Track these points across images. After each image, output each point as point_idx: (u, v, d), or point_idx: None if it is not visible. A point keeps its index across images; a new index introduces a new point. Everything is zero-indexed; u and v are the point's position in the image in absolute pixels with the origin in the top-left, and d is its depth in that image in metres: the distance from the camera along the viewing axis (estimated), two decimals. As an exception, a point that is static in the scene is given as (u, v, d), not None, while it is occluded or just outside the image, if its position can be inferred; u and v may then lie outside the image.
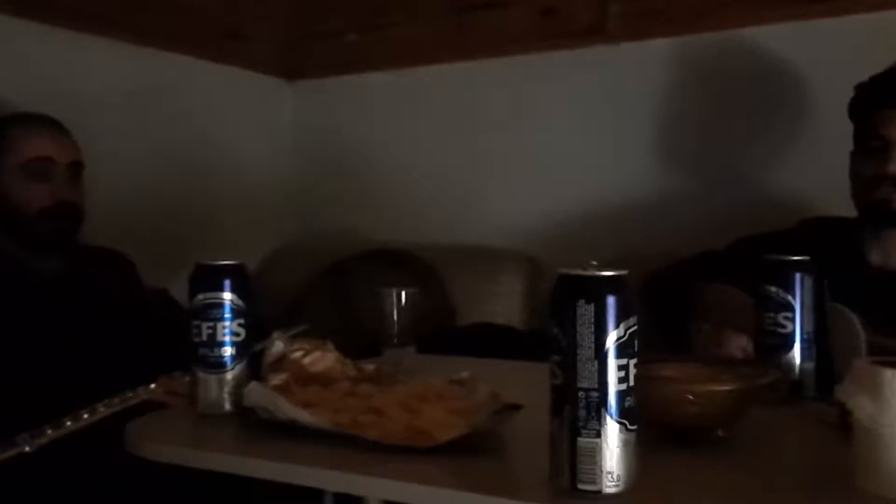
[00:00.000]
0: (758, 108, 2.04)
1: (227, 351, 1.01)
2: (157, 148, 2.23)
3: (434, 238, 2.38)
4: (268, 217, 2.61)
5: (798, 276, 1.05)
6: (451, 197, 2.43)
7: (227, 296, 1.00)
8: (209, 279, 1.01)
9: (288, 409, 0.92)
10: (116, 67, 2.11)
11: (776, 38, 2.00)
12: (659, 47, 2.14)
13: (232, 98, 2.49)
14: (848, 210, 1.50)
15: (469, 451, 0.83)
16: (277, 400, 0.93)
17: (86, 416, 1.12)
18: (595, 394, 0.68)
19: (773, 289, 1.06)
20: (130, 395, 1.17)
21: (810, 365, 1.06)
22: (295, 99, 2.71)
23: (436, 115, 2.46)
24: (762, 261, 1.08)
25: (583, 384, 0.68)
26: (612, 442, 0.68)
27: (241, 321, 1.01)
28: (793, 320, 1.05)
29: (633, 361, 0.69)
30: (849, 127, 1.49)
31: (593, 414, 0.68)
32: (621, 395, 0.68)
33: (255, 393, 0.96)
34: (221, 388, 1.01)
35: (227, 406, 1.01)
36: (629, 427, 0.69)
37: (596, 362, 0.68)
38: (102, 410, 1.13)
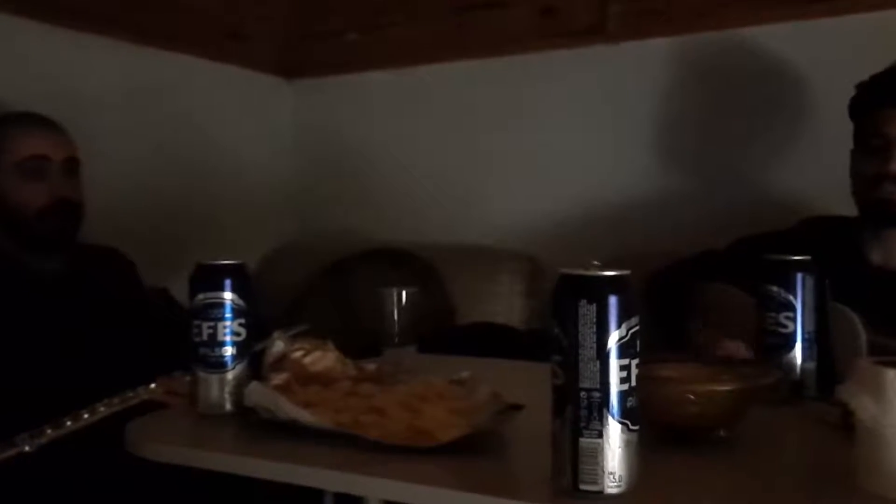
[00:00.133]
0: (758, 108, 2.04)
1: (228, 351, 1.01)
2: (157, 147, 2.23)
3: (434, 238, 2.38)
4: (268, 216, 2.61)
5: (799, 275, 1.05)
6: (451, 196, 2.43)
7: (228, 295, 1.00)
8: (210, 279, 1.01)
9: (289, 409, 0.91)
10: (116, 67, 2.11)
11: (776, 37, 2.00)
12: (659, 47, 2.14)
13: (232, 97, 2.49)
14: (848, 210, 1.50)
15: (470, 452, 0.82)
16: (278, 400, 0.93)
17: (86, 415, 1.12)
18: (597, 394, 0.68)
19: (774, 288, 1.06)
20: (130, 394, 1.17)
21: (811, 365, 1.06)
22: (295, 98, 2.71)
23: (436, 114, 2.46)
24: (764, 260, 1.08)
25: (584, 384, 0.68)
26: (614, 442, 0.68)
27: (242, 321, 1.01)
28: (794, 320, 1.05)
29: (634, 362, 0.69)
30: (849, 126, 1.49)
31: (595, 414, 0.68)
32: (623, 396, 0.68)
33: (256, 393, 0.96)
34: (222, 387, 1.00)
35: (228, 406, 1.00)
36: (631, 427, 0.69)
37: (598, 362, 0.68)
38: (102, 410, 1.13)
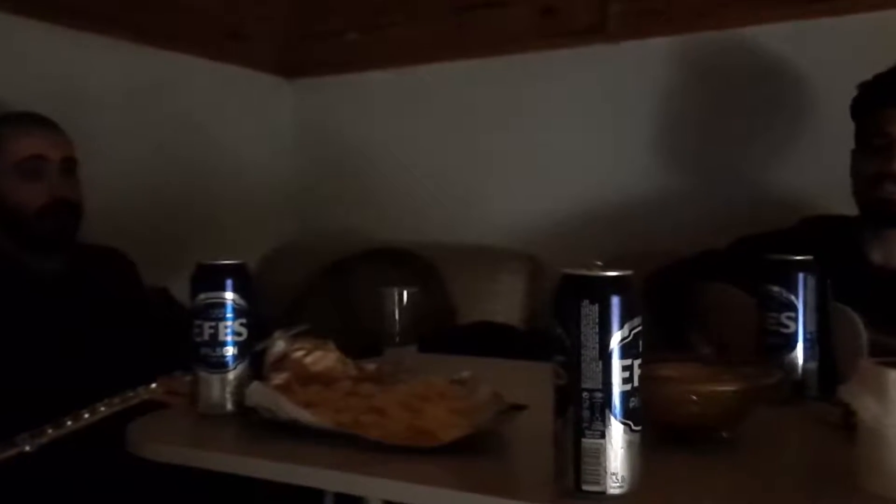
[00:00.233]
0: (758, 108, 2.04)
1: (229, 351, 1.00)
2: (157, 147, 2.23)
3: (434, 237, 2.38)
4: (268, 216, 2.61)
5: (801, 275, 1.05)
6: (451, 196, 2.43)
7: (229, 295, 1.00)
8: (211, 279, 1.01)
9: (290, 409, 0.91)
10: (117, 66, 2.11)
11: (776, 37, 2.00)
12: (659, 46, 2.14)
13: (232, 97, 2.49)
14: (849, 209, 1.50)
15: (471, 452, 0.82)
16: (279, 400, 0.93)
17: (86, 415, 1.12)
18: (599, 394, 0.68)
19: (775, 289, 1.05)
20: (131, 394, 1.17)
21: (813, 365, 1.06)
22: (295, 98, 2.70)
23: (436, 114, 2.46)
24: (765, 261, 1.08)
25: (587, 385, 0.68)
26: (617, 443, 0.68)
27: (243, 321, 1.01)
28: (796, 320, 1.05)
29: (637, 362, 0.69)
30: (849, 126, 1.50)
31: (597, 415, 0.68)
32: (625, 396, 0.68)
33: (258, 393, 0.96)
34: (223, 387, 1.00)
35: (229, 406, 1.00)
36: (633, 428, 0.69)
37: (600, 363, 0.68)
38: (103, 410, 1.13)
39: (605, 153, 2.22)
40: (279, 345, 1.10)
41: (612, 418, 0.68)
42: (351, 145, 2.61)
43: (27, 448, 1.08)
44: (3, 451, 1.08)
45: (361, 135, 2.59)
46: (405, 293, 1.29)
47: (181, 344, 1.04)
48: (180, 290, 1.18)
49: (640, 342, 0.69)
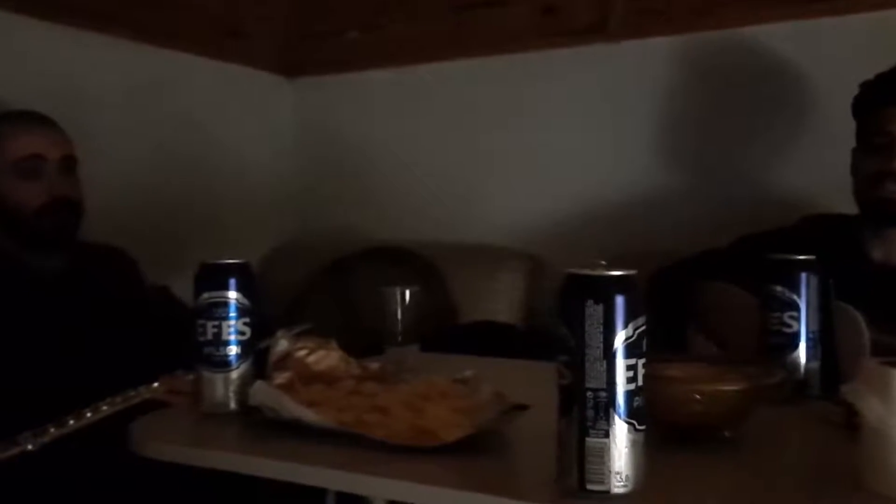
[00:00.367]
0: (758, 107, 2.04)
1: (233, 350, 1.00)
2: (158, 145, 2.23)
3: (435, 236, 2.38)
4: (269, 215, 2.61)
5: (804, 275, 1.05)
6: (451, 195, 2.43)
7: (233, 295, 1.00)
8: (214, 278, 1.01)
9: (293, 408, 0.91)
10: (117, 64, 2.11)
11: (777, 36, 2.00)
12: (659, 46, 2.14)
13: (232, 95, 2.49)
14: (849, 208, 1.50)
15: (473, 451, 0.82)
16: (282, 399, 0.93)
17: (89, 414, 1.12)
18: (603, 394, 0.68)
19: (778, 288, 1.06)
20: (133, 393, 1.17)
21: (815, 364, 1.06)
22: (295, 97, 2.70)
23: (436, 113, 2.46)
24: (767, 260, 1.08)
25: (591, 384, 0.68)
26: (621, 442, 0.68)
27: (247, 320, 1.01)
28: (798, 320, 1.05)
29: (641, 361, 0.69)
30: (850, 125, 1.50)
31: (602, 414, 0.68)
32: (630, 396, 0.68)
33: (261, 392, 0.96)
34: (227, 387, 1.00)
35: (233, 405, 1.00)
36: (637, 427, 0.69)
37: (604, 362, 0.68)
38: (105, 409, 1.13)
39: (606, 153, 2.22)
40: (282, 344, 1.10)
41: (617, 418, 0.68)
42: (351, 144, 2.61)
43: (30, 447, 1.08)
44: (6, 449, 1.08)
45: (362, 134, 2.59)
46: (407, 292, 1.29)
47: (182, 343, 1.05)
48: (181, 289, 1.18)
49: (644, 342, 0.69)
